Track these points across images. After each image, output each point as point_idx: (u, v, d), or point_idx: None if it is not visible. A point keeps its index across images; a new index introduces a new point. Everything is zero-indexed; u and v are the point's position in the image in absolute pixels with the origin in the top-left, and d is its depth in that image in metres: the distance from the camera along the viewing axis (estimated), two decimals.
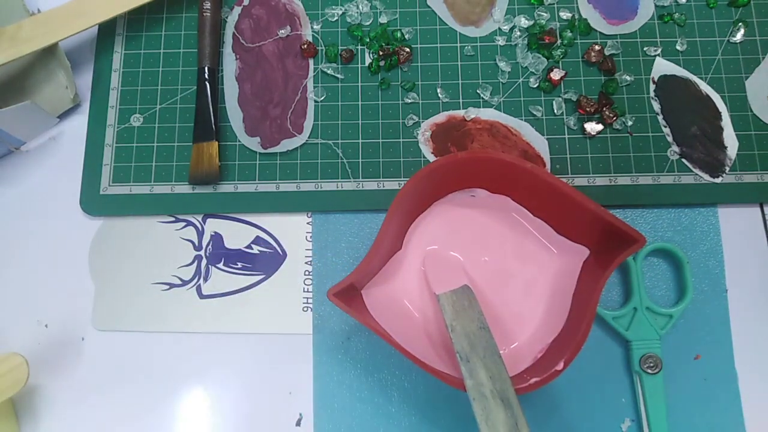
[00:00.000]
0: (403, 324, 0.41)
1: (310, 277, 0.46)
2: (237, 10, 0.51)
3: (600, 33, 0.50)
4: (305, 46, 0.50)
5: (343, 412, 0.44)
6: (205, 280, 0.46)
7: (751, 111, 0.48)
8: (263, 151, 0.48)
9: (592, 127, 0.47)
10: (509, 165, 0.40)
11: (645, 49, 0.49)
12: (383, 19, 0.50)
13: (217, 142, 0.47)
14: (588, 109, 0.47)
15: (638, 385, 0.43)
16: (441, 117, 0.48)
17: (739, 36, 0.49)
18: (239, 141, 0.48)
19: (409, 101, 0.49)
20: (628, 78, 0.48)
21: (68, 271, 0.47)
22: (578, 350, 0.36)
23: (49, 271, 0.47)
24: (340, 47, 0.50)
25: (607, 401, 0.43)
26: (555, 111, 0.48)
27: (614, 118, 0.47)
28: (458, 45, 0.50)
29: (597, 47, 0.49)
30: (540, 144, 0.47)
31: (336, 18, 0.51)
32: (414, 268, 0.43)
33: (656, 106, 0.48)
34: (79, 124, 0.50)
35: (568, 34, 0.49)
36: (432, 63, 0.49)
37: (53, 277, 0.47)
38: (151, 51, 0.51)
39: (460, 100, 0.49)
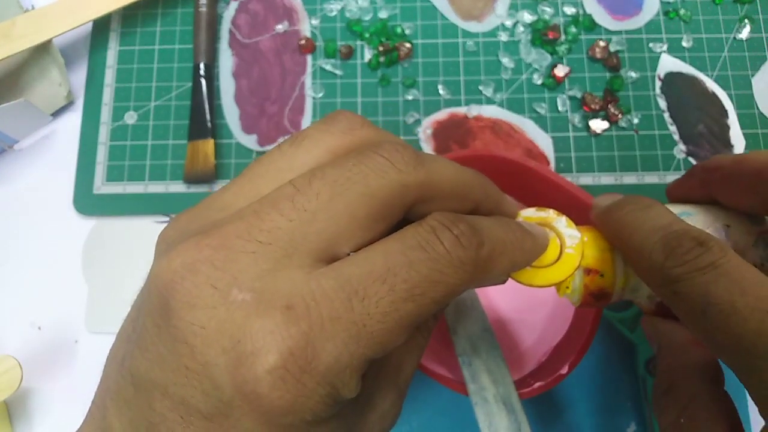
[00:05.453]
0: None
1: None
2: (234, 5, 0.50)
3: (605, 29, 0.49)
4: (303, 41, 0.49)
5: None
6: None
7: (758, 109, 0.47)
8: (260, 149, 0.47)
9: (598, 124, 0.46)
10: (513, 163, 0.39)
11: (650, 45, 0.48)
12: (383, 14, 0.49)
13: (212, 140, 0.46)
14: (593, 107, 0.47)
15: (643, 389, 0.42)
16: (442, 114, 0.47)
17: (745, 33, 0.48)
18: (235, 139, 0.47)
19: (410, 98, 0.48)
20: (633, 75, 0.47)
21: (61, 272, 0.46)
22: (583, 354, 0.36)
23: (41, 272, 0.46)
24: (338, 43, 0.49)
25: (611, 405, 0.42)
26: (559, 108, 0.47)
27: (620, 116, 0.46)
28: (460, 40, 0.49)
29: (602, 43, 0.48)
30: (544, 142, 0.47)
31: (335, 13, 0.50)
32: None
33: (662, 104, 0.47)
34: (72, 122, 0.49)
35: (573, 29, 0.48)
36: (433, 59, 0.48)
37: (46, 279, 0.46)
38: (146, 47, 0.50)
39: (462, 97, 0.48)
